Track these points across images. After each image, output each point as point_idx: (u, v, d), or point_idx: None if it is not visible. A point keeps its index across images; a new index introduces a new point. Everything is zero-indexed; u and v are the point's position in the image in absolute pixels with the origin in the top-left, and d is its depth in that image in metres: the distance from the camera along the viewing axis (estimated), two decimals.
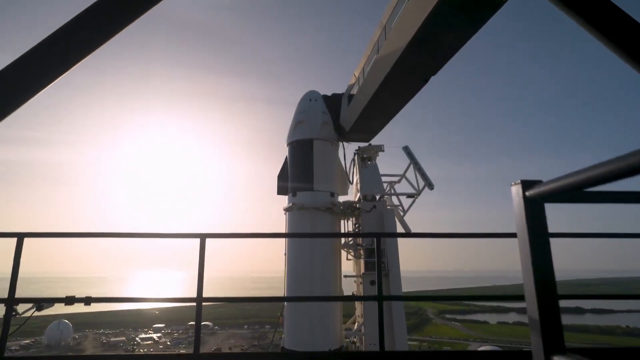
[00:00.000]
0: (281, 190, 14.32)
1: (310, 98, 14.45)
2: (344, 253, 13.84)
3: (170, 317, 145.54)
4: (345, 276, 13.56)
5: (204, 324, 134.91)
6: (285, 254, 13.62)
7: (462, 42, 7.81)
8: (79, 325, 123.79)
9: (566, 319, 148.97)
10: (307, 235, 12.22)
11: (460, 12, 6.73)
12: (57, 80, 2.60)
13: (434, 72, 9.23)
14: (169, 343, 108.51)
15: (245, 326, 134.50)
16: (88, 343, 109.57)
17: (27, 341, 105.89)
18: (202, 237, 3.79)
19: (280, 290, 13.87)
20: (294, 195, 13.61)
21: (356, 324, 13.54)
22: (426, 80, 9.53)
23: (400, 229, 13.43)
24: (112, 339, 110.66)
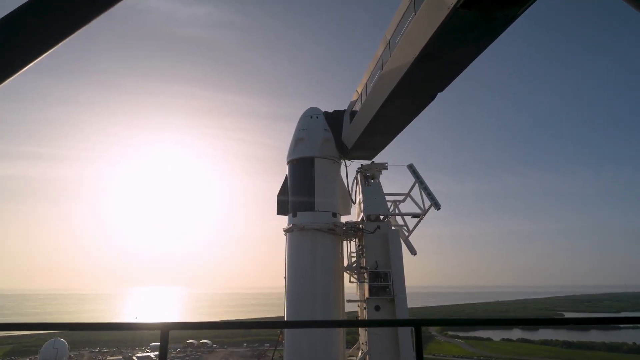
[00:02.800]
0: (281, 210, 13.82)
1: (311, 115, 14.07)
2: (346, 276, 13.26)
3: (169, 335, 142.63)
4: (348, 301, 12.95)
5: (202, 342, 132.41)
6: (285, 277, 13.04)
7: (472, 57, 7.43)
8: (75, 343, 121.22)
9: (571, 336, 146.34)
10: (305, 324, 11.05)
11: (472, 27, 6.35)
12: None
13: (441, 89, 8.84)
14: None
15: (245, 344, 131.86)
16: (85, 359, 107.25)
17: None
18: (164, 328, 3.15)
19: (280, 307, 13.31)
20: (294, 215, 13.11)
21: (360, 352, 12.85)
22: (433, 97, 9.14)
23: (404, 249, 12.87)
24: (108, 358, 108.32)
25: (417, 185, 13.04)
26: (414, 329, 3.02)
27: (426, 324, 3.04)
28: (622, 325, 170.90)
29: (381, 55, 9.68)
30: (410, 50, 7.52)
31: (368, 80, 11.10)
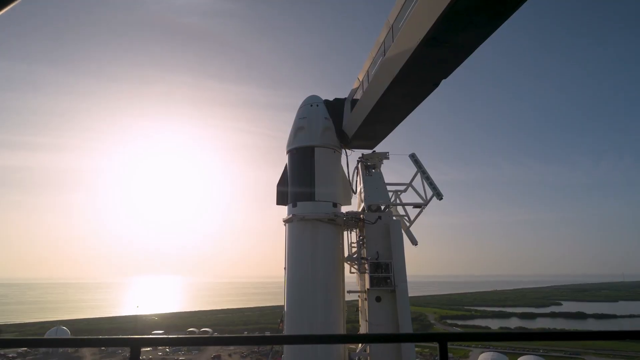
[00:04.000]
0: (280, 200, 13.62)
1: (311, 103, 13.76)
2: (347, 266, 13.14)
3: (170, 323, 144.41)
4: (349, 291, 12.85)
5: (203, 330, 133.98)
6: (285, 268, 12.92)
7: (479, 42, 7.14)
8: (77, 331, 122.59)
9: (568, 324, 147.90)
10: (309, 339, 8.31)
11: (480, 9, 6.07)
12: None
13: (446, 75, 8.57)
14: (167, 350, 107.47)
15: (245, 332, 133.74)
16: (86, 349, 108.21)
17: (25, 348, 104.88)
18: (134, 343, 2.90)
19: (280, 295, 13.28)
20: (294, 205, 12.92)
21: (360, 344, 12.79)
22: (436, 84, 8.88)
23: (406, 240, 12.74)
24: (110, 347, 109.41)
25: (419, 175, 12.84)
26: (438, 343, 2.82)
27: (451, 339, 2.87)
28: (618, 314, 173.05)
29: (383, 41, 9.37)
30: (414, 34, 7.24)
31: (370, 67, 10.81)
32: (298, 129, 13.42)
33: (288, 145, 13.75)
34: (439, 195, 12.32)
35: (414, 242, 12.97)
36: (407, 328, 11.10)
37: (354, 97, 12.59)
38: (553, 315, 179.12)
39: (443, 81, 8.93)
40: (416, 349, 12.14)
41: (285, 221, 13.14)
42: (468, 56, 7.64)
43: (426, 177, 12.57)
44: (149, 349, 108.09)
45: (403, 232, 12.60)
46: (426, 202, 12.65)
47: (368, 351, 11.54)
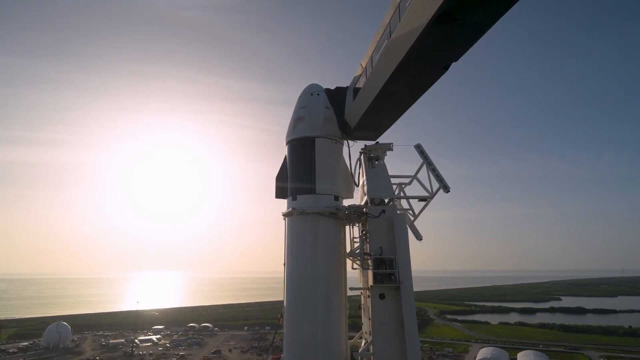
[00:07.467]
0: (280, 193, 13.09)
1: (311, 92, 13.16)
2: (349, 262, 12.63)
3: (170, 319, 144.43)
4: (351, 288, 12.35)
5: (204, 325, 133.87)
6: (284, 264, 12.41)
7: (495, 18, 6.55)
8: (78, 327, 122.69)
9: (568, 319, 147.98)
10: None
11: None
12: None
13: (456, 58, 7.97)
14: (168, 345, 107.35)
15: (246, 327, 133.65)
16: (87, 345, 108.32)
17: (26, 343, 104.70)
18: None
19: (279, 290, 12.92)
20: (294, 198, 12.39)
21: (363, 341, 12.30)
22: (446, 68, 8.29)
23: (410, 235, 12.20)
24: (111, 341, 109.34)
25: (424, 167, 12.26)
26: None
27: None
28: (618, 310, 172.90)
29: (389, 22, 8.76)
30: (424, 10, 6.64)
31: (373, 52, 10.20)
32: (298, 119, 12.86)
33: (287, 136, 13.19)
34: (445, 188, 11.74)
35: (419, 237, 12.43)
36: (412, 327, 10.60)
37: (357, 85, 11.99)
38: (552, 310, 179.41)
39: (453, 64, 8.35)
40: None
41: (285, 215, 12.62)
42: (482, 35, 7.05)
43: (432, 169, 11.99)
44: (149, 344, 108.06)
45: (407, 226, 12.06)
46: (432, 195, 12.09)
47: (371, 350, 11.05)
